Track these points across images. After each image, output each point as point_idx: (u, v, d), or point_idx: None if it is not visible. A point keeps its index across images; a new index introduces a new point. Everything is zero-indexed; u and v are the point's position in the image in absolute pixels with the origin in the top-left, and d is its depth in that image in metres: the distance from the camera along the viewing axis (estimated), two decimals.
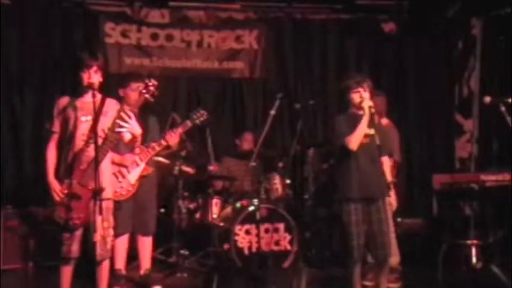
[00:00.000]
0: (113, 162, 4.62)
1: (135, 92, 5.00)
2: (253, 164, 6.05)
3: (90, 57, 4.23)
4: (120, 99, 4.67)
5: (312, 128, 7.31)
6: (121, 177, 4.91)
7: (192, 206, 6.23)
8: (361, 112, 4.47)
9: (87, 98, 4.18)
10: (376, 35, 7.53)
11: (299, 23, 7.53)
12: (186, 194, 6.09)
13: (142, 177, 5.08)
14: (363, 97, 4.50)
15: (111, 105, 4.29)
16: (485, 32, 7.25)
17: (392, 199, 4.64)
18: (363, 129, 4.43)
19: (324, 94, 7.49)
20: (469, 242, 5.57)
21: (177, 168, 5.84)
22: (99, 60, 4.28)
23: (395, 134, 5.63)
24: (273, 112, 5.89)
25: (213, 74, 7.39)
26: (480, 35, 7.33)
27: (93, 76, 4.17)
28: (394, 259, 5.26)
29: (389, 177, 4.67)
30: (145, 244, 5.26)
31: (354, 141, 4.42)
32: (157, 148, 5.10)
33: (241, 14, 7.47)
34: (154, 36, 7.21)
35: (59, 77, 6.88)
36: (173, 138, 5.13)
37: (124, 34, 7.14)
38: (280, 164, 6.40)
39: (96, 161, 3.92)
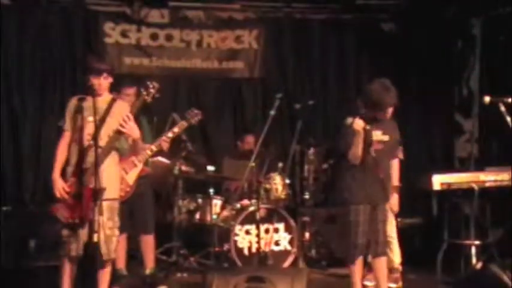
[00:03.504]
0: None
1: (129, 96, 5.09)
2: (253, 164, 6.05)
3: (100, 63, 4.39)
4: None
5: (311, 128, 7.31)
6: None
7: (192, 206, 6.23)
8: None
9: (95, 98, 4.22)
10: (376, 35, 7.52)
11: (299, 23, 7.52)
12: (186, 194, 6.10)
13: (140, 178, 5.10)
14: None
15: (122, 108, 4.37)
16: (484, 32, 7.24)
17: (393, 204, 4.70)
18: (357, 147, 4.45)
19: (323, 94, 7.50)
20: (469, 242, 5.57)
21: (177, 168, 5.85)
22: (108, 66, 4.43)
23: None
24: (272, 112, 5.89)
25: (213, 74, 7.39)
26: (480, 35, 7.32)
27: (103, 82, 4.30)
28: (395, 259, 5.28)
29: (395, 181, 4.71)
30: (148, 243, 5.30)
31: (354, 159, 4.46)
32: (155, 149, 5.12)
33: (241, 14, 7.46)
34: (154, 36, 7.20)
35: (59, 77, 6.88)
36: (166, 143, 5.17)
37: (124, 34, 7.13)
38: (280, 164, 6.40)
39: (96, 161, 3.95)
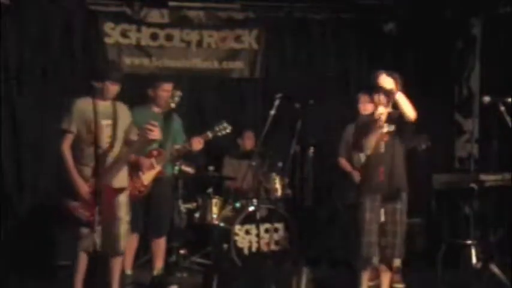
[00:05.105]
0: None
1: (166, 92, 5.14)
2: (253, 164, 6.05)
3: (119, 71, 4.66)
4: (149, 100, 4.87)
5: (311, 128, 7.30)
6: (135, 176, 4.97)
7: (192, 206, 6.24)
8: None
9: (103, 102, 4.38)
10: (376, 35, 7.52)
11: (299, 23, 7.52)
12: (186, 194, 6.10)
13: (157, 179, 5.11)
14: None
15: (125, 110, 4.56)
16: (485, 32, 7.24)
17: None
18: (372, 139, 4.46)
19: (323, 94, 7.49)
20: (469, 242, 5.57)
21: (177, 168, 5.85)
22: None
23: None
24: (272, 112, 5.89)
25: (213, 74, 7.38)
26: (480, 35, 7.32)
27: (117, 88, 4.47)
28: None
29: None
30: (160, 245, 5.34)
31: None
32: (175, 153, 5.16)
33: (241, 14, 7.46)
34: (154, 36, 7.20)
35: (59, 77, 6.88)
36: (198, 144, 5.21)
37: (124, 34, 7.13)
38: (280, 164, 6.41)
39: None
